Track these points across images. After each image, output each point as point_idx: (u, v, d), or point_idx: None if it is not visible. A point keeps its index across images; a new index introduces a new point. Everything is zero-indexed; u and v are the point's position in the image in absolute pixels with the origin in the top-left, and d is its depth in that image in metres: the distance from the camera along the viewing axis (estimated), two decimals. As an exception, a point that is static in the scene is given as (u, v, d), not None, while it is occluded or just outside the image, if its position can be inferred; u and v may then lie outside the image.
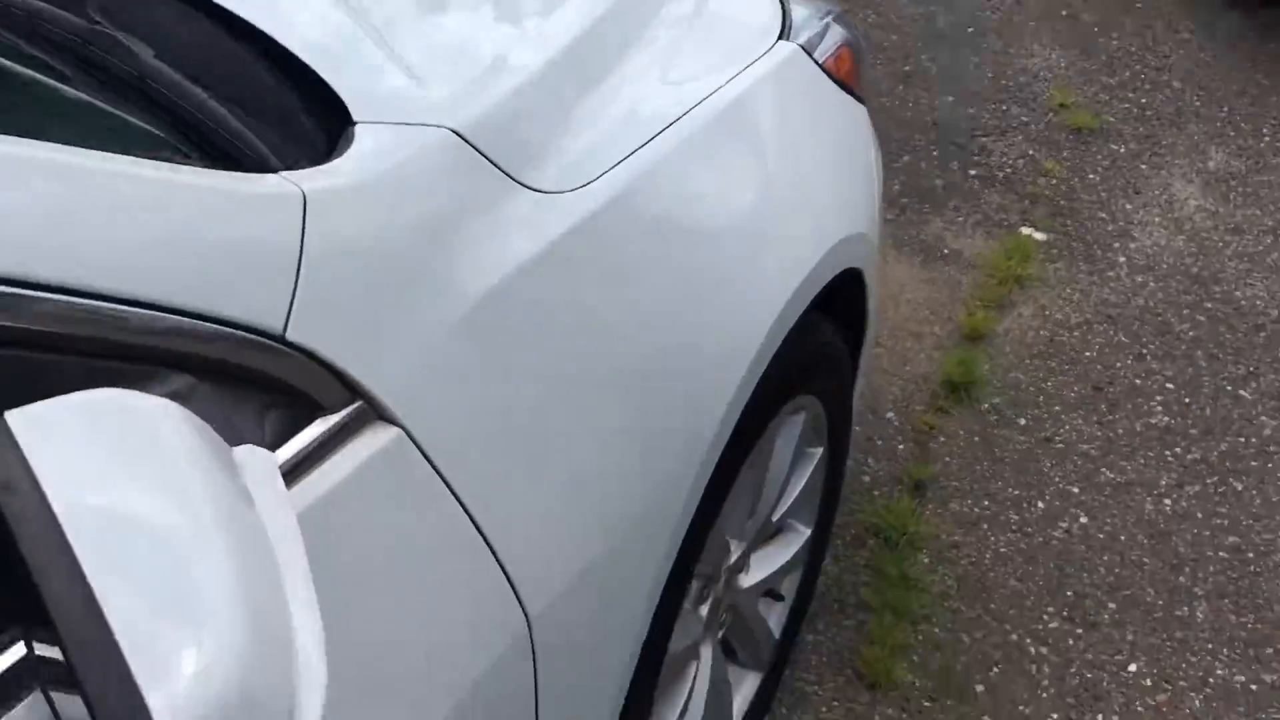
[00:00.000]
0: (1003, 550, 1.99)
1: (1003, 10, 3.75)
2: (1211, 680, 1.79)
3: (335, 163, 0.81)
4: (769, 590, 1.65)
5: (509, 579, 0.85)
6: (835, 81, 1.47)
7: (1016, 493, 2.10)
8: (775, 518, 1.52)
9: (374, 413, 0.76)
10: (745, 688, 1.64)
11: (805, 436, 1.51)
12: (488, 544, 0.83)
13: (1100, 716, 1.73)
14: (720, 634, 1.51)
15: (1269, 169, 2.99)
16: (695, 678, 1.44)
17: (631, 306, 1.02)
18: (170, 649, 0.48)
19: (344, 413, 0.75)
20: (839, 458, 1.63)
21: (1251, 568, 1.96)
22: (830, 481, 1.64)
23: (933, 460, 2.16)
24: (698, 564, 1.26)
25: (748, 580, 1.52)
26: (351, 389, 0.75)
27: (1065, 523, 2.04)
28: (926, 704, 1.75)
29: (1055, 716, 1.73)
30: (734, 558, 1.44)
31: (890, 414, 2.26)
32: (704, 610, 1.40)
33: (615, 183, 1.02)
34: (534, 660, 0.90)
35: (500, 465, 0.85)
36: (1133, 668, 1.80)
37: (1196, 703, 1.76)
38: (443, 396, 0.81)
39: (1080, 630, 1.86)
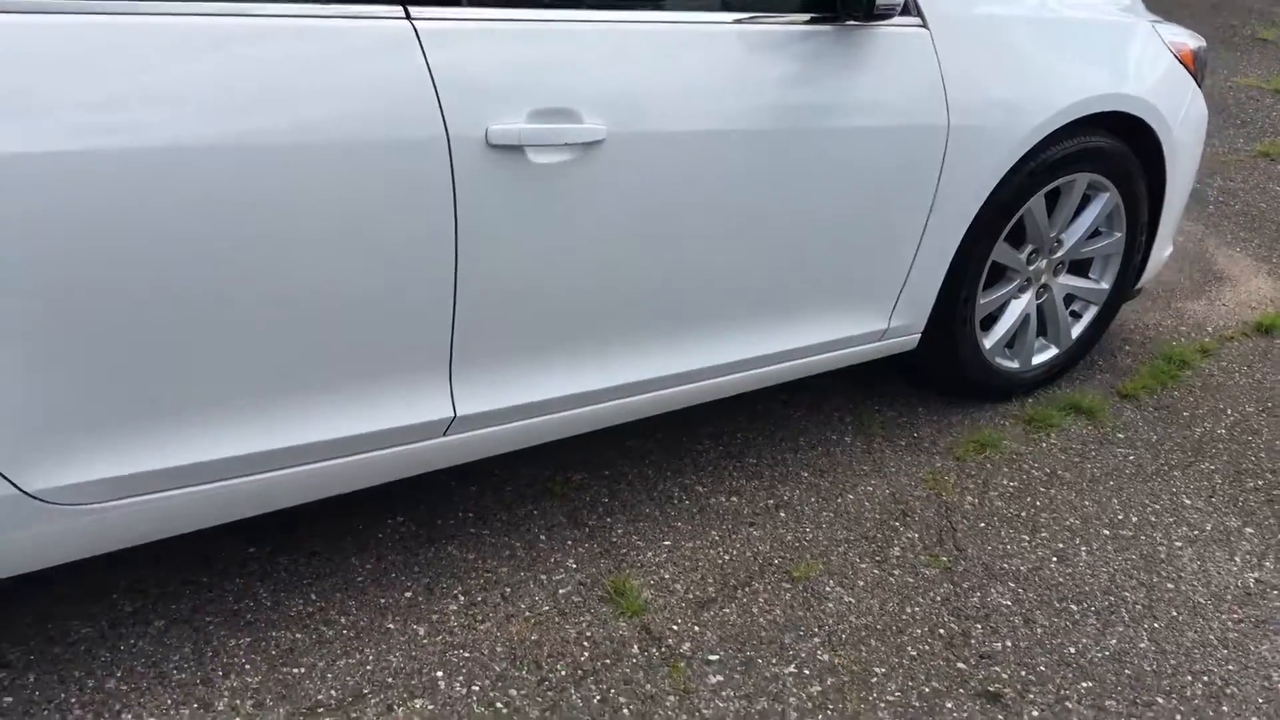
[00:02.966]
0: (1240, 381, 3.23)
1: None
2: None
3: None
4: (1072, 309, 3.11)
5: (946, 98, 2.50)
6: (1174, 56, 3.00)
7: (1262, 375, 3.32)
8: (1082, 250, 2.99)
9: (917, 17, 2.47)
10: (1044, 354, 3.09)
11: (1108, 217, 2.98)
12: (944, 86, 2.49)
13: None
14: (1038, 300, 3.00)
15: None
16: (1011, 303, 2.95)
17: (1004, 56, 2.62)
18: None
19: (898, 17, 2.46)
20: (1130, 249, 3.06)
21: (1405, 428, 3.04)
22: (1124, 263, 3.07)
23: (1219, 347, 3.43)
24: (1023, 231, 2.80)
25: (1060, 280, 3.01)
26: (907, 9, 2.46)
27: (1291, 385, 3.24)
28: (1151, 410, 3.07)
29: (1208, 425, 2.98)
30: (1052, 252, 2.93)
31: (1209, 329, 3.56)
32: (1029, 266, 2.91)
33: (1009, 9, 2.68)
34: (945, 149, 2.54)
35: (971, 60, 2.51)
36: (1286, 429, 3.00)
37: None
38: (954, 21, 2.49)
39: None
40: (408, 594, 2.24)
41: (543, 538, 2.42)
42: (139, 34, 1.66)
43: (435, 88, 1.88)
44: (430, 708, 1.97)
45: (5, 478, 1.72)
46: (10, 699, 1.92)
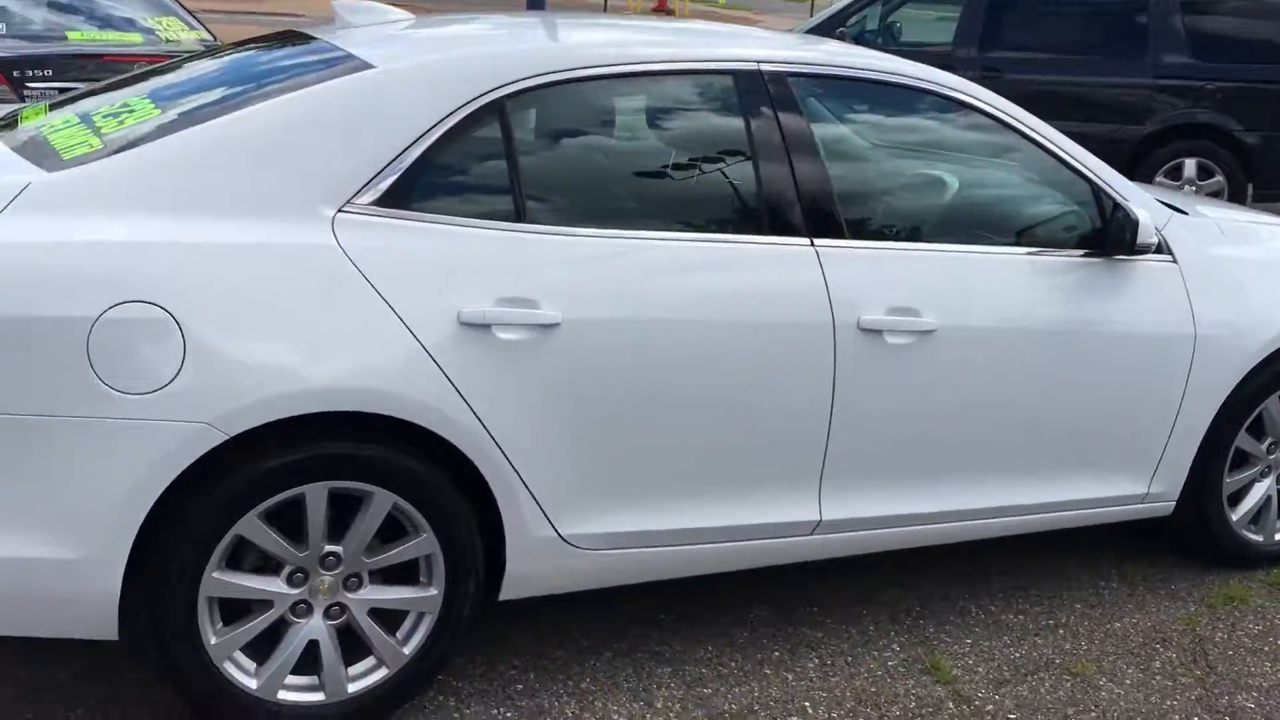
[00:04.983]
0: None
1: None
2: None
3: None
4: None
5: (1193, 315, 3.28)
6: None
7: None
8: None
9: (1170, 255, 3.29)
10: (1288, 532, 3.67)
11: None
12: (1191, 310, 3.28)
13: None
14: (1279, 485, 3.61)
15: None
16: (1254, 485, 3.58)
17: (1237, 286, 3.40)
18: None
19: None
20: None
21: None
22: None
23: None
24: (1263, 425, 3.48)
25: (1289, 483, 3.65)
26: (1160, 249, 3.29)
27: None
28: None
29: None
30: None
31: None
32: (1269, 455, 3.56)
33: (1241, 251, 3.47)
34: (1193, 353, 3.29)
35: (1212, 288, 3.31)
36: None
37: None
38: (1198, 258, 3.31)
39: None
40: (775, 653, 3.05)
41: (872, 628, 3.19)
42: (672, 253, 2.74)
43: (828, 289, 2.85)
44: (803, 723, 2.76)
45: (552, 525, 2.69)
46: (520, 686, 2.84)
